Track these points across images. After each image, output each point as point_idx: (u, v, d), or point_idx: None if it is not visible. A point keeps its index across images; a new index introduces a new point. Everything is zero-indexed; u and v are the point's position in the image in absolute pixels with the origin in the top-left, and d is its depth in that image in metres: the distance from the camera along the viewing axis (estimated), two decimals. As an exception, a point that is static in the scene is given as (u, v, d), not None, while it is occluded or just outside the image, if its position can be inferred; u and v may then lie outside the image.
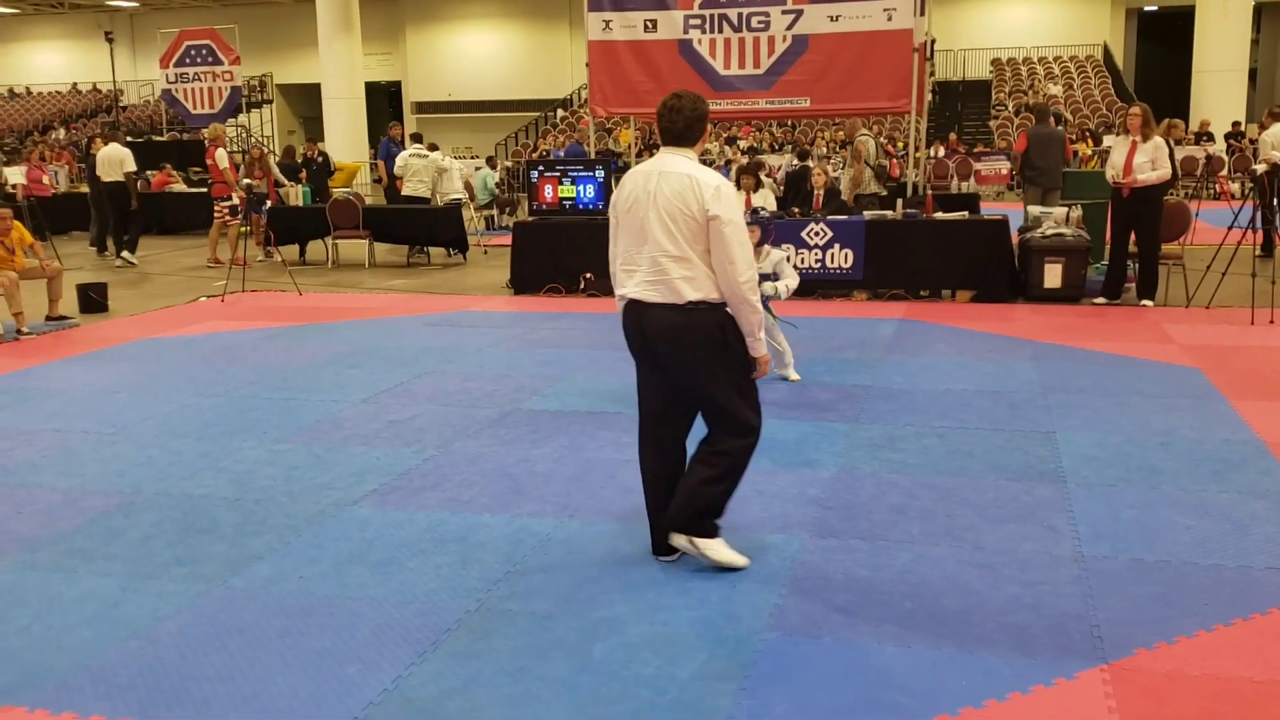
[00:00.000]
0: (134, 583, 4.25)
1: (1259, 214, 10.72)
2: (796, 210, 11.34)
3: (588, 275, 11.17)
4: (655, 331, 4.06)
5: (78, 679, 3.51)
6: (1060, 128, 14.25)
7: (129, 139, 22.47)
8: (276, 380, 7.68)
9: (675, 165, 4.03)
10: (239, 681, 3.47)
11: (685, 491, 4.18)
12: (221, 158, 14.41)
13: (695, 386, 4.15)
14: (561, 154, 22.98)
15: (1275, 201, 11.58)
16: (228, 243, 13.85)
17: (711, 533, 4.23)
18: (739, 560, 4.24)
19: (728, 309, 4.05)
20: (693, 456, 4.27)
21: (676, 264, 3.97)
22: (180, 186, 19.42)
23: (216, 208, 14.44)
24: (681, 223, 3.95)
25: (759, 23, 11.31)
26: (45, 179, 18.57)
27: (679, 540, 4.23)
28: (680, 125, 4.07)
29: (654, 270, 4.01)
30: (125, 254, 14.77)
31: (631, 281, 4.10)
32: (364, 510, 5.01)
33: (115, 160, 14.86)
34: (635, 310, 4.10)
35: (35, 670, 3.57)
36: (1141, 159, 9.62)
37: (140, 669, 3.57)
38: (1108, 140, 20.96)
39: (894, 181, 14.01)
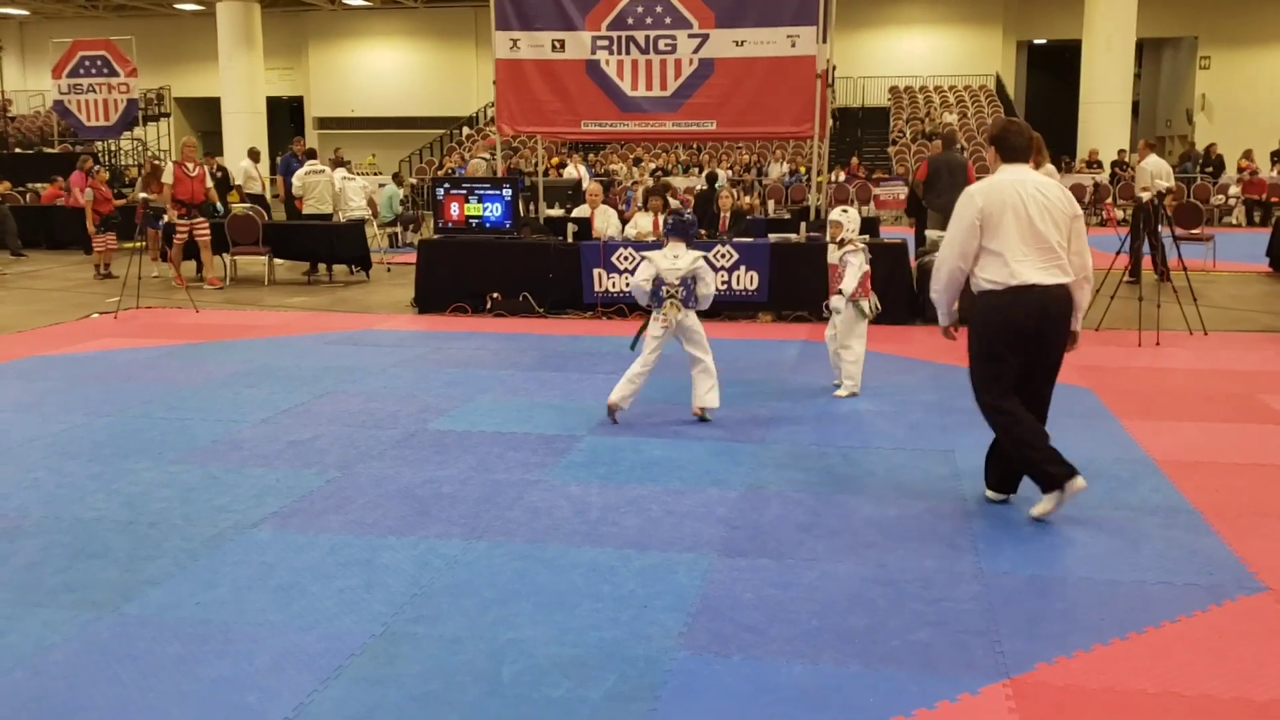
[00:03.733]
0: (19, 611, 4.07)
1: (1144, 240, 11.16)
2: (704, 232, 11.44)
3: (494, 295, 11.09)
4: (1057, 305, 4.85)
5: (-43, 713, 3.35)
6: (963, 155, 14.57)
7: (18, 150, 21.73)
8: (172, 399, 7.45)
9: (1036, 176, 4.96)
10: (131, 713, 3.34)
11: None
12: (167, 173, 13.48)
13: (1059, 348, 4.97)
14: (464, 171, 22.85)
15: (1158, 228, 12.04)
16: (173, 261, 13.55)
17: None
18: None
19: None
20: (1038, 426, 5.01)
21: (1063, 251, 4.87)
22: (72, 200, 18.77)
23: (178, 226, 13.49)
24: (1062, 220, 4.87)
25: (666, 45, 11.41)
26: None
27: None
28: (1022, 144, 4.98)
29: (1050, 258, 4.83)
30: None
31: (1027, 269, 4.82)
32: (264, 533, 4.89)
33: None
34: (1038, 292, 4.81)
35: (-89, 705, 3.40)
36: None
37: (25, 701, 3.41)
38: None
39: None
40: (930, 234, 11.28)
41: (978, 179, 11.02)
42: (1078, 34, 26.78)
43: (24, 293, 13.10)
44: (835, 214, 7.61)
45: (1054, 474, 4.90)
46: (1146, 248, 11.84)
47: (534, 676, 3.56)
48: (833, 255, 7.61)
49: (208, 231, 13.48)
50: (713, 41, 11.31)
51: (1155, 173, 12.73)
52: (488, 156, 15.02)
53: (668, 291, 6.63)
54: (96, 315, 11.20)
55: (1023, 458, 4.99)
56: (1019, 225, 4.82)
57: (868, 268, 7.48)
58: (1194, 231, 15.08)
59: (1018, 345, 4.89)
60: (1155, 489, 5.46)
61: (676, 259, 6.63)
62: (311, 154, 15.87)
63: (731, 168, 23.87)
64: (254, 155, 17.65)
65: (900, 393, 7.60)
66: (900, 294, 10.59)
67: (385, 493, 5.44)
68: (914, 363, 8.68)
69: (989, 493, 5.30)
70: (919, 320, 10.54)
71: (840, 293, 7.38)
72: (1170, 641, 3.82)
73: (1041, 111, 33.29)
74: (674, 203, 12.99)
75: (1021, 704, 3.38)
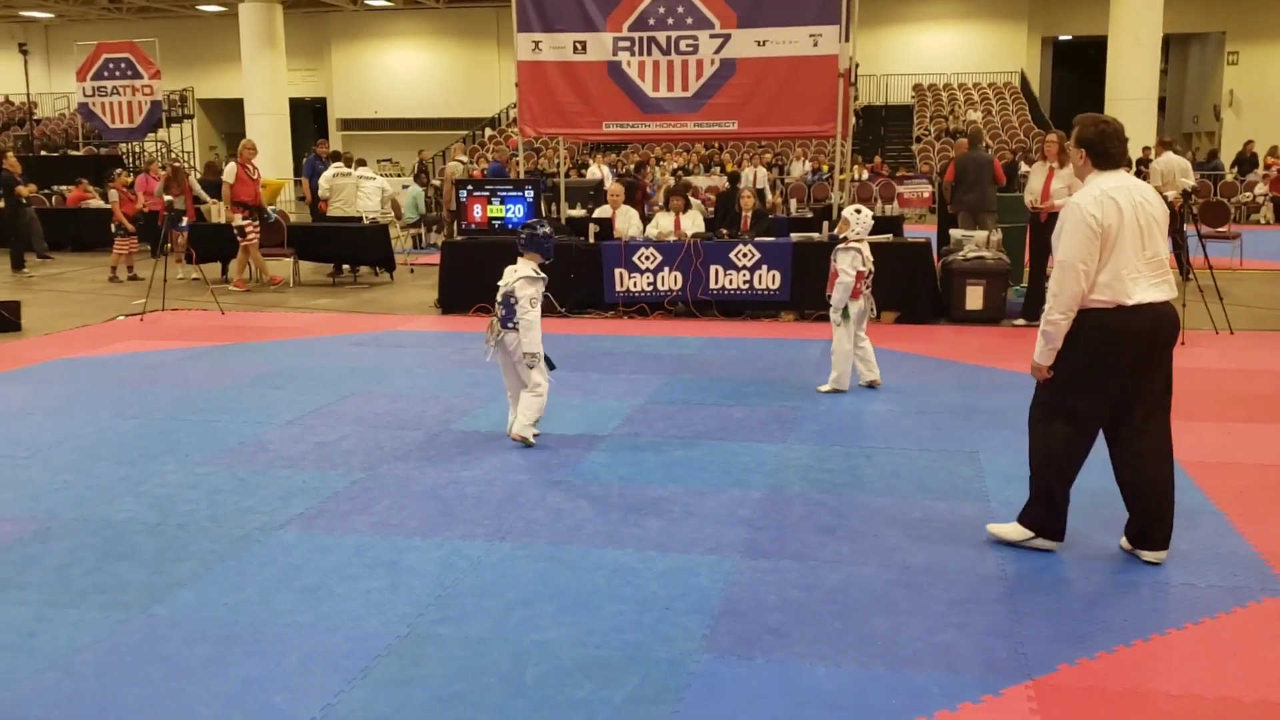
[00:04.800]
0: (50, 612, 4.13)
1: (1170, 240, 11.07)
2: (725, 231, 11.44)
3: (516, 295, 11.12)
4: (1170, 323, 4.45)
5: (-9, 713, 3.40)
6: (989, 152, 14.37)
7: (43, 153, 21.91)
8: (198, 401, 7.53)
9: (1137, 181, 4.52)
10: (161, 713, 3.39)
11: (1170, 505, 4.54)
12: (229, 172, 13.23)
13: (1166, 373, 4.52)
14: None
15: (1183, 226, 11.95)
16: (252, 263, 13.50)
17: None
18: None
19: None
20: (1158, 464, 4.54)
21: (1167, 263, 4.48)
22: (97, 202, 18.95)
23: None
24: (1164, 227, 4.48)
25: (687, 46, 11.42)
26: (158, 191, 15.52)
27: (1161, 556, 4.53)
28: (1121, 150, 4.52)
29: (1160, 272, 4.42)
30: None
31: (1140, 287, 4.38)
32: (290, 534, 4.93)
33: None
34: (1150, 311, 4.38)
35: (-54, 704, 3.46)
36: (1059, 184, 9.87)
37: (57, 701, 3.47)
38: (1024, 167, 21.47)
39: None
40: (954, 233, 11.24)
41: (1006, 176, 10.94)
42: (1103, 30, 26.57)
43: (50, 295, 13.24)
44: (848, 211, 7.65)
45: (1050, 527, 4.63)
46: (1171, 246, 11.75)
47: (558, 678, 3.58)
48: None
49: (258, 234, 13.47)
50: (734, 41, 11.32)
51: (1165, 171, 12.60)
52: (464, 160, 15.38)
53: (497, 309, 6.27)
54: (123, 317, 11.31)
55: (1040, 488, 4.65)
56: (1133, 238, 4.36)
57: (861, 269, 7.49)
58: (1221, 229, 14.98)
59: (1117, 372, 4.41)
60: (1179, 490, 5.39)
61: (514, 273, 6.26)
62: (336, 156, 15.88)
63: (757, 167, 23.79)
64: (346, 160, 15.86)
65: (924, 393, 7.58)
66: (924, 293, 10.57)
67: (410, 494, 5.48)
68: (939, 362, 8.66)
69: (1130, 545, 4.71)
70: (943, 320, 10.51)
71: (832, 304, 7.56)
72: (1193, 643, 3.81)
73: (1067, 108, 33.04)
74: (695, 202, 12.99)
75: (1044, 705, 3.38)
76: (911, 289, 10.53)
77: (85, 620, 4.05)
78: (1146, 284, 4.38)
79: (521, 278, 6.19)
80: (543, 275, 6.26)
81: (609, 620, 4.01)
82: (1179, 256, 10.65)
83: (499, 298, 6.24)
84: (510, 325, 6.18)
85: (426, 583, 4.37)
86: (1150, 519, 4.53)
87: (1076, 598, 4.17)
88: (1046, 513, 4.64)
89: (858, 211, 7.61)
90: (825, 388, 7.59)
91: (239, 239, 13.33)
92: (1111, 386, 4.45)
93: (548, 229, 6.44)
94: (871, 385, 7.68)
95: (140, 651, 3.80)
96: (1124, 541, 4.69)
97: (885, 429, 6.67)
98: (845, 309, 7.47)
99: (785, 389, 7.75)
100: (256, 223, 13.33)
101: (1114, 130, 4.49)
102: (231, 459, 6.13)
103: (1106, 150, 4.48)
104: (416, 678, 3.60)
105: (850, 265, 7.45)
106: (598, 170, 19.94)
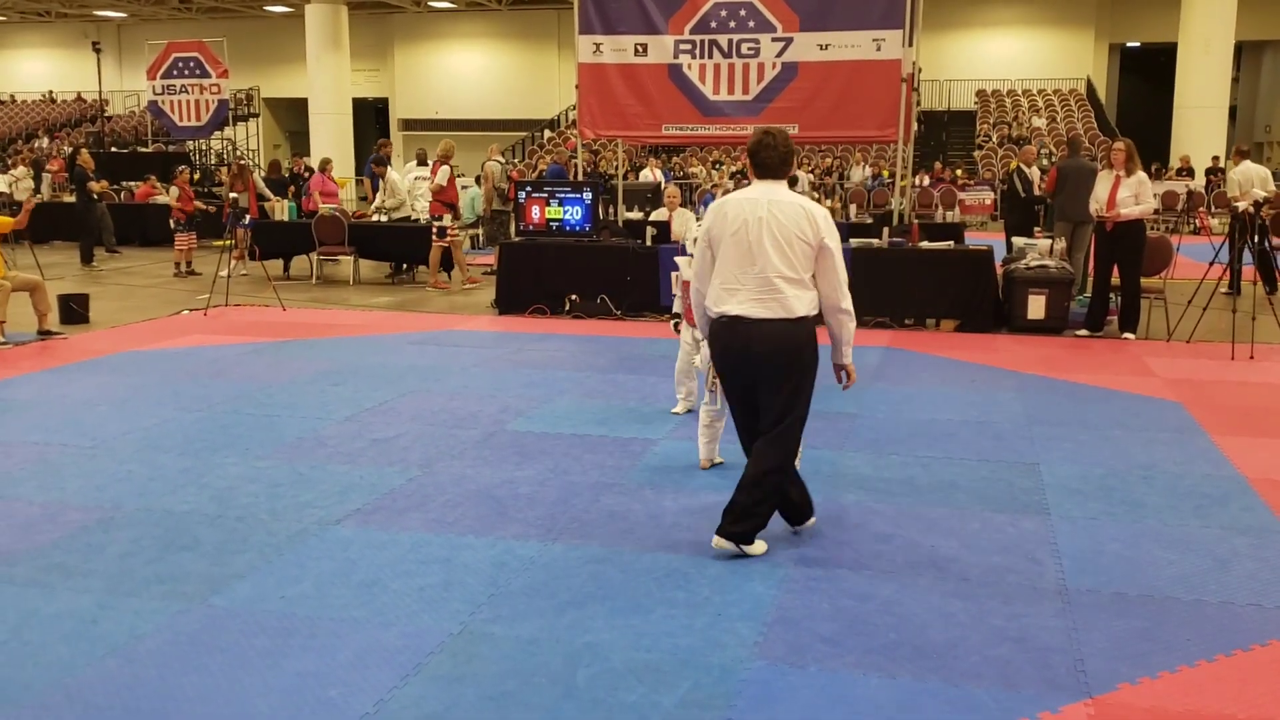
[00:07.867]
0: (113, 600, 4.21)
1: (1239, 250, 10.84)
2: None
3: (573, 297, 11.16)
4: (765, 343, 4.41)
5: (54, 697, 3.47)
6: (1093, 161, 13.73)
7: (113, 149, 22.34)
8: (259, 396, 7.63)
9: (782, 194, 4.49)
10: (218, 703, 3.43)
11: (741, 508, 4.58)
12: (443, 175, 13.20)
13: (788, 393, 4.51)
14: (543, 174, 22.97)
15: (1257, 239, 11.69)
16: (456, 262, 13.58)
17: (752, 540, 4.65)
18: (762, 548, 4.67)
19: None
20: (749, 476, 4.59)
21: (789, 284, 4.39)
22: (164, 198, 19.29)
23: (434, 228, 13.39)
24: (796, 247, 4.39)
25: (749, 49, 11.38)
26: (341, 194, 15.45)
27: (723, 544, 4.60)
28: (775, 160, 4.50)
29: (765, 289, 4.39)
30: None
31: (734, 300, 4.44)
32: (347, 530, 4.98)
33: None
34: (740, 326, 4.43)
35: (10, 688, 3.53)
36: (1125, 193, 9.70)
37: (118, 688, 3.53)
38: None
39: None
40: (1017, 241, 11.08)
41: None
42: (1173, 36, 26.10)
43: (118, 289, 13.51)
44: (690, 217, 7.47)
45: (739, 530, 4.59)
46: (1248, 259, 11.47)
47: (609, 680, 3.58)
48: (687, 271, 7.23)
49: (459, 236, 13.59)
50: (796, 45, 11.26)
51: (1244, 180, 12.29)
52: (501, 160, 15.48)
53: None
54: (187, 312, 11.50)
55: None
56: (738, 249, 4.41)
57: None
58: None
59: (733, 379, 4.63)
60: (1246, 508, 5.31)
61: None
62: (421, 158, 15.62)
63: (813, 170, 23.68)
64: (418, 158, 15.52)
65: (984, 403, 7.48)
66: (985, 302, 10.43)
67: (465, 492, 5.51)
68: (1000, 372, 8.53)
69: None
70: (1004, 329, 10.37)
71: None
72: (1260, 666, 3.71)
73: (1134, 116, 32.56)
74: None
75: (1104, 725, 3.31)
76: (972, 297, 10.41)
77: (146, 609, 4.12)
78: (745, 297, 4.42)
79: None
80: None
81: (660, 624, 4.00)
82: (1258, 269, 10.43)
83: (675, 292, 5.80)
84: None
85: (480, 581, 4.38)
86: (737, 513, 4.59)
87: (1138, 615, 4.09)
88: (745, 526, 4.62)
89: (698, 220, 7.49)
90: (680, 409, 7.10)
91: (436, 239, 13.34)
92: (735, 390, 4.65)
93: None
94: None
95: (199, 642, 3.85)
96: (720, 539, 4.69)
97: (944, 438, 6.59)
98: None
99: (842, 396, 7.66)
100: (456, 224, 13.48)
101: (770, 141, 4.49)
102: (291, 453, 6.21)
103: (761, 160, 4.51)
104: (468, 675, 3.61)
105: None
106: (650, 174, 19.96)
